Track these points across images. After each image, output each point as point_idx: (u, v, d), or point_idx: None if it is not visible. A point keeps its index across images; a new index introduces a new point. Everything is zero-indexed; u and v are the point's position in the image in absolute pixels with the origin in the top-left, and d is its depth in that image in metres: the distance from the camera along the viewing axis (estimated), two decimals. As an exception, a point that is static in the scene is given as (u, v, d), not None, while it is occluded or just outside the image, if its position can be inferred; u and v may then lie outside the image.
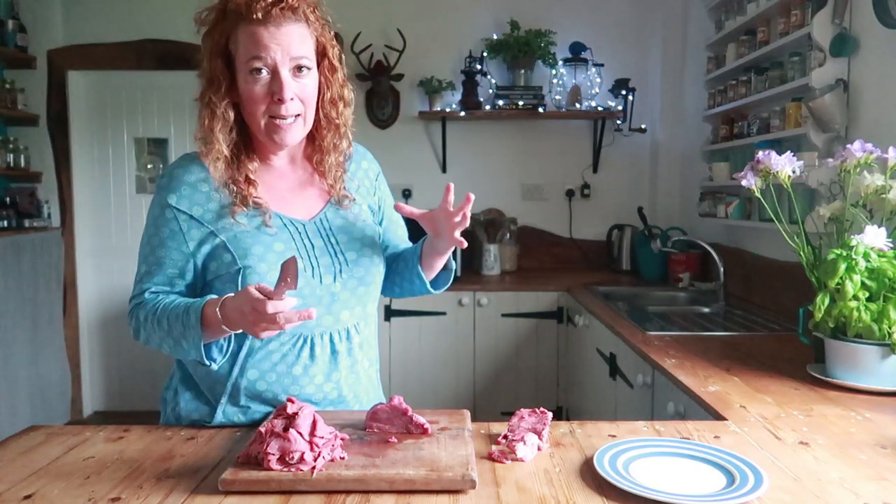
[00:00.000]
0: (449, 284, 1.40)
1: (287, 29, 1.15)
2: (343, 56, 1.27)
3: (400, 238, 1.45)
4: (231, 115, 1.18)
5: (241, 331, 1.10)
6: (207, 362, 1.12)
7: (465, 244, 1.23)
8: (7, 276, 3.41)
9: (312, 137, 1.29)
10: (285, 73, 1.15)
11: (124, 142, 4.07)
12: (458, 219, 1.20)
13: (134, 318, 1.21)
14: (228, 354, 1.17)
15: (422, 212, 1.25)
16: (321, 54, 1.22)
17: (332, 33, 1.25)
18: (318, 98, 1.24)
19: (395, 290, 1.43)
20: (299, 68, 1.17)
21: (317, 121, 1.26)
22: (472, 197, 1.19)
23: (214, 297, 1.12)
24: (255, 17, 1.12)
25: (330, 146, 1.28)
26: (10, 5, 3.78)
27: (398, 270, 1.39)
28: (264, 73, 1.15)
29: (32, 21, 3.85)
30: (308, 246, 1.23)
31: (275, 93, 1.15)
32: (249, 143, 1.25)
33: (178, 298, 1.18)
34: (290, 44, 1.15)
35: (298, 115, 1.19)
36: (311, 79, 1.20)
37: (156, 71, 3.91)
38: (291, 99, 1.16)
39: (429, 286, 1.36)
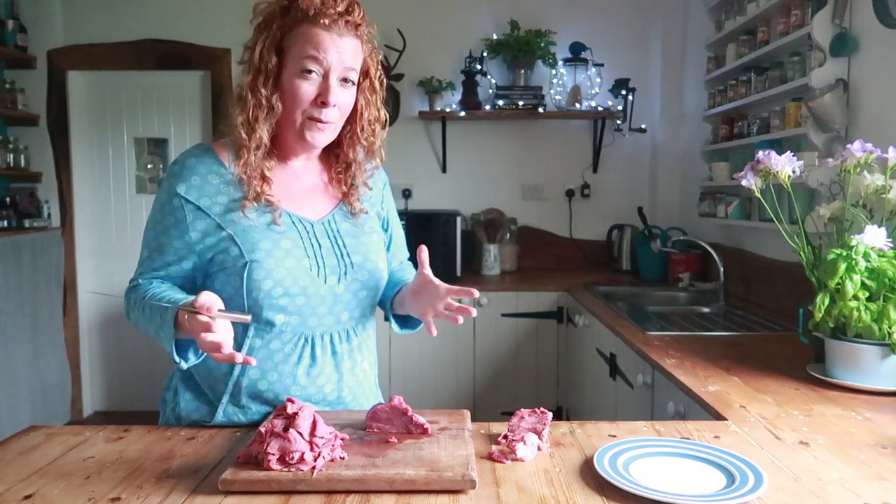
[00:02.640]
0: (416, 331, 1.40)
1: (346, 41, 1.18)
2: (384, 80, 1.30)
3: (398, 247, 1.47)
4: (279, 106, 1.18)
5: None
6: (177, 360, 1.12)
7: (460, 321, 1.20)
8: (7, 276, 3.41)
9: (335, 148, 1.31)
10: (334, 80, 1.18)
11: (124, 142, 4.07)
12: (444, 307, 1.19)
13: (127, 299, 1.24)
14: (202, 359, 1.17)
15: (429, 275, 1.22)
16: (364, 73, 1.25)
17: (379, 57, 1.29)
18: (355, 116, 1.26)
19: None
20: (345, 80, 1.20)
21: (351, 137, 1.28)
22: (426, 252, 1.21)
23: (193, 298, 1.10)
24: (322, 21, 1.15)
25: (358, 162, 1.30)
26: (10, 5, 3.78)
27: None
28: (315, 74, 1.17)
29: (32, 21, 3.85)
30: (315, 245, 1.23)
31: (320, 95, 1.17)
32: (270, 141, 1.25)
33: (166, 290, 1.18)
34: (346, 55, 1.18)
35: (332, 123, 1.21)
36: (352, 93, 1.23)
37: (156, 71, 3.92)
38: (334, 105, 1.18)
39: (396, 327, 1.39)
